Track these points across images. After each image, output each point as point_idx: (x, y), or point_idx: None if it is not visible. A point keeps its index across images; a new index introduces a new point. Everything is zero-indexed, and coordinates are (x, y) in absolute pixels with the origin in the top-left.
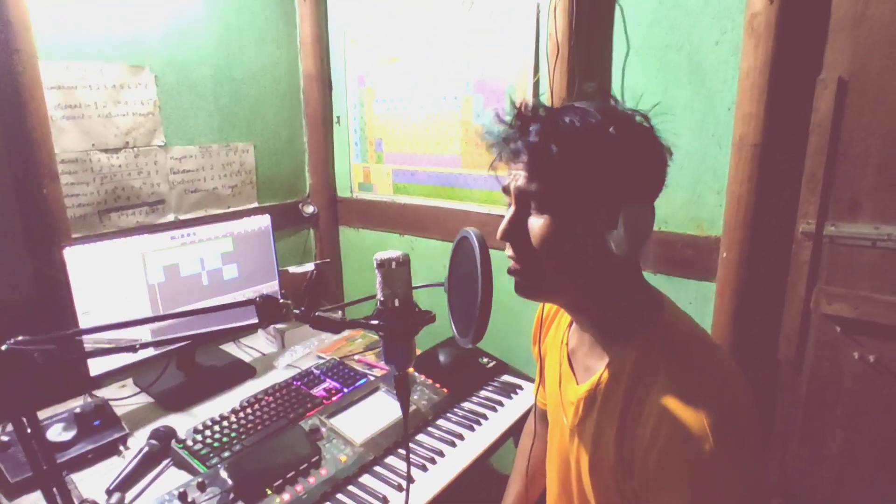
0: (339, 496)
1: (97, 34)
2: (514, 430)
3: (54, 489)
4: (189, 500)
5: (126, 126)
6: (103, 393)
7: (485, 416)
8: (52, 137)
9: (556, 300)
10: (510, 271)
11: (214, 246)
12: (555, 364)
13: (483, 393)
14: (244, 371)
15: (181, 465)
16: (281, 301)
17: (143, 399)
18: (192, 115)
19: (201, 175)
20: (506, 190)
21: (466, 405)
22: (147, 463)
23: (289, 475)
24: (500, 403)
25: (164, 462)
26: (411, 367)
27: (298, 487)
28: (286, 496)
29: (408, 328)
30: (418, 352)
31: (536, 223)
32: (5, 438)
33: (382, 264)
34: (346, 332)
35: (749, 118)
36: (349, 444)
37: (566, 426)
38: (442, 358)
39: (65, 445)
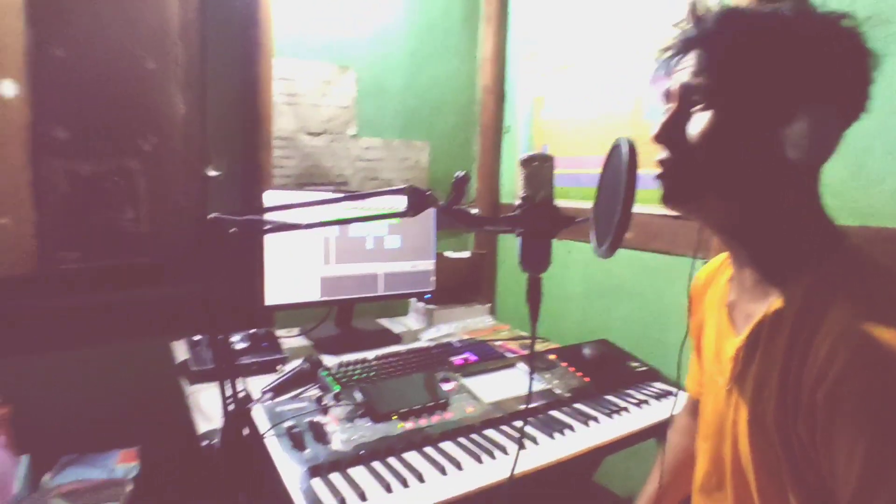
0: (460, 439)
1: (317, 38)
2: (660, 431)
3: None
4: (323, 403)
5: (328, 115)
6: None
7: (626, 410)
8: (273, 117)
9: (709, 216)
10: (659, 176)
11: None
12: (713, 324)
13: (628, 391)
14: (391, 337)
15: (324, 389)
16: (428, 192)
17: (302, 341)
18: (380, 113)
19: (381, 165)
20: (667, 94)
21: (608, 397)
22: (297, 379)
23: (415, 408)
24: (647, 402)
25: (310, 384)
26: (545, 270)
27: (422, 421)
28: (409, 424)
29: (549, 225)
30: (558, 345)
31: (700, 119)
32: (197, 338)
33: (527, 161)
34: (492, 323)
35: None
36: (477, 401)
37: (722, 387)
38: (587, 352)
39: (239, 353)
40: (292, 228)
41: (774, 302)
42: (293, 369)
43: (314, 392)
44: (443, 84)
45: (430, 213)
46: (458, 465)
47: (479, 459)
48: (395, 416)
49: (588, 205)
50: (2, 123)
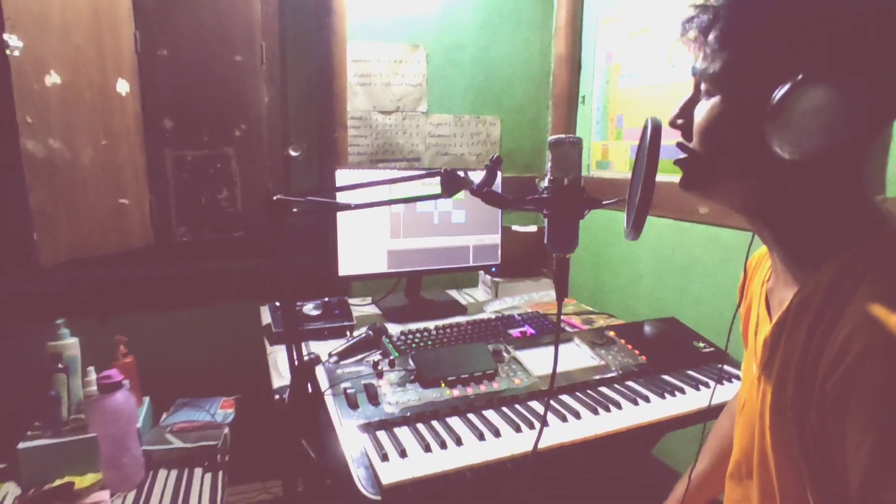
0: (504, 408)
1: (388, 19)
2: (712, 415)
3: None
4: (378, 368)
5: (399, 94)
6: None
7: (682, 390)
8: (348, 98)
9: (726, 200)
10: (676, 161)
11: None
12: (756, 309)
13: (688, 371)
14: (457, 308)
15: (385, 355)
16: (462, 175)
17: (373, 310)
18: (451, 89)
19: (452, 141)
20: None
21: (664, 376)
22: (362, 345)
23: (463, 376)
24: (706, 384)
25: (373, 350)
26: (573, 251)
27: (468, 389)
28: (455, 392)
29: (575, 206)
30: (621, 322)
31: (705, 105)
32: (278, 303)
33: (556, 144)
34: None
35: None
36: (526, 373)
37: (754, 376)
38: (648, 329)
39: (312, 318)
40: (344, 209)
41: (800, 290)
42: (359, 336)
43: (376, 357)
44: (514, 56)
45: (496, 187)
46: (497, 433)
47: (518, 429)
48: (444, 384)
49: (661, 178)
50: (120, 117)
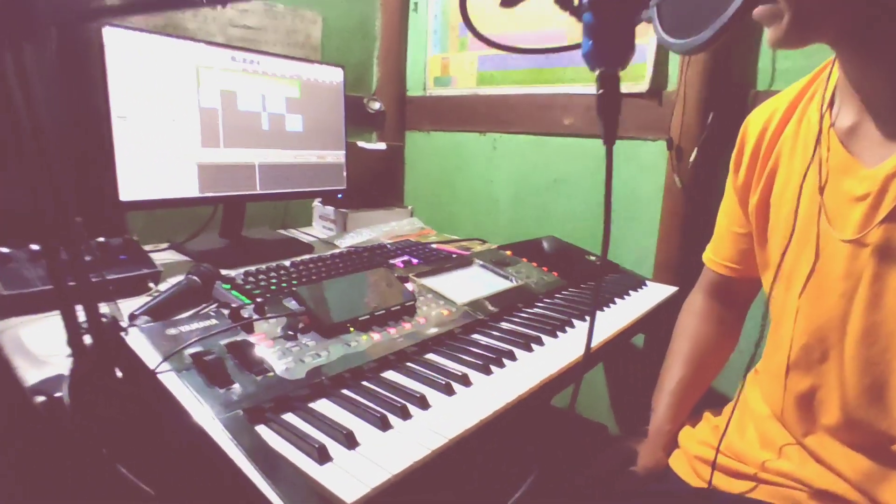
0: (446, 349)
1: None
2: (652, 320)
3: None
4: (244, 315)
5: None
6: None
7: (613, 301)
8: None
9: (843, 25)
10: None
11: (279, 86)
12: (799, 167)
13: (603, 283)
14: (300, 247)
15: (226, 307)
16: None
17: (174, 257)
18: None
19: (263, 36)
20: None
21: (585, 290)
22: (184, 297)
23: (378, 314)
24: (627, 293)
25: (206, 305)
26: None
27: (391, 331)
28: (375, 336)
29: None
30: (499, 245)
31: None
32: (6, 250)
33: None
34: (420, 227)
35: None
36: (450, 302)
37: (836, 240)
38: (546, 245)
39: (88, 266)
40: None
41: None
42: (177, 285)
43: (213, 311)
44: None
45: (338, 88)
46: (465, 380)
47: (486, 370)
48: (354, 329)
49: (516, 90)
50: None
